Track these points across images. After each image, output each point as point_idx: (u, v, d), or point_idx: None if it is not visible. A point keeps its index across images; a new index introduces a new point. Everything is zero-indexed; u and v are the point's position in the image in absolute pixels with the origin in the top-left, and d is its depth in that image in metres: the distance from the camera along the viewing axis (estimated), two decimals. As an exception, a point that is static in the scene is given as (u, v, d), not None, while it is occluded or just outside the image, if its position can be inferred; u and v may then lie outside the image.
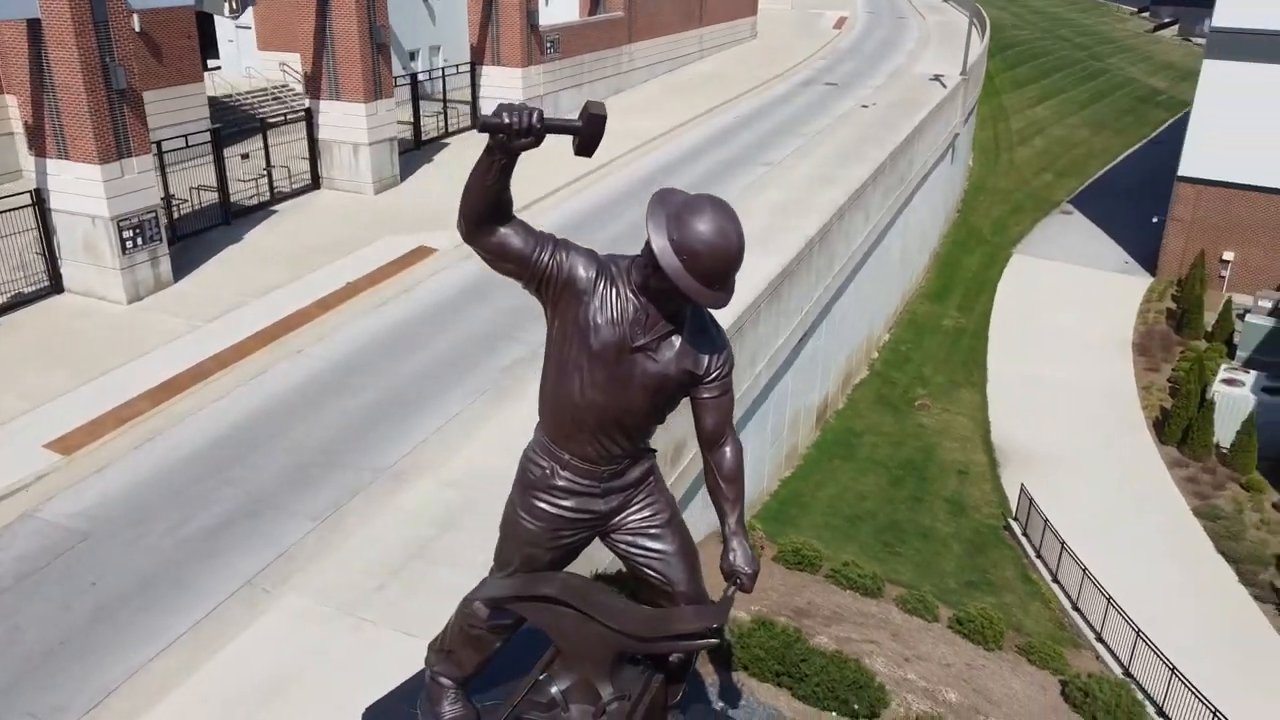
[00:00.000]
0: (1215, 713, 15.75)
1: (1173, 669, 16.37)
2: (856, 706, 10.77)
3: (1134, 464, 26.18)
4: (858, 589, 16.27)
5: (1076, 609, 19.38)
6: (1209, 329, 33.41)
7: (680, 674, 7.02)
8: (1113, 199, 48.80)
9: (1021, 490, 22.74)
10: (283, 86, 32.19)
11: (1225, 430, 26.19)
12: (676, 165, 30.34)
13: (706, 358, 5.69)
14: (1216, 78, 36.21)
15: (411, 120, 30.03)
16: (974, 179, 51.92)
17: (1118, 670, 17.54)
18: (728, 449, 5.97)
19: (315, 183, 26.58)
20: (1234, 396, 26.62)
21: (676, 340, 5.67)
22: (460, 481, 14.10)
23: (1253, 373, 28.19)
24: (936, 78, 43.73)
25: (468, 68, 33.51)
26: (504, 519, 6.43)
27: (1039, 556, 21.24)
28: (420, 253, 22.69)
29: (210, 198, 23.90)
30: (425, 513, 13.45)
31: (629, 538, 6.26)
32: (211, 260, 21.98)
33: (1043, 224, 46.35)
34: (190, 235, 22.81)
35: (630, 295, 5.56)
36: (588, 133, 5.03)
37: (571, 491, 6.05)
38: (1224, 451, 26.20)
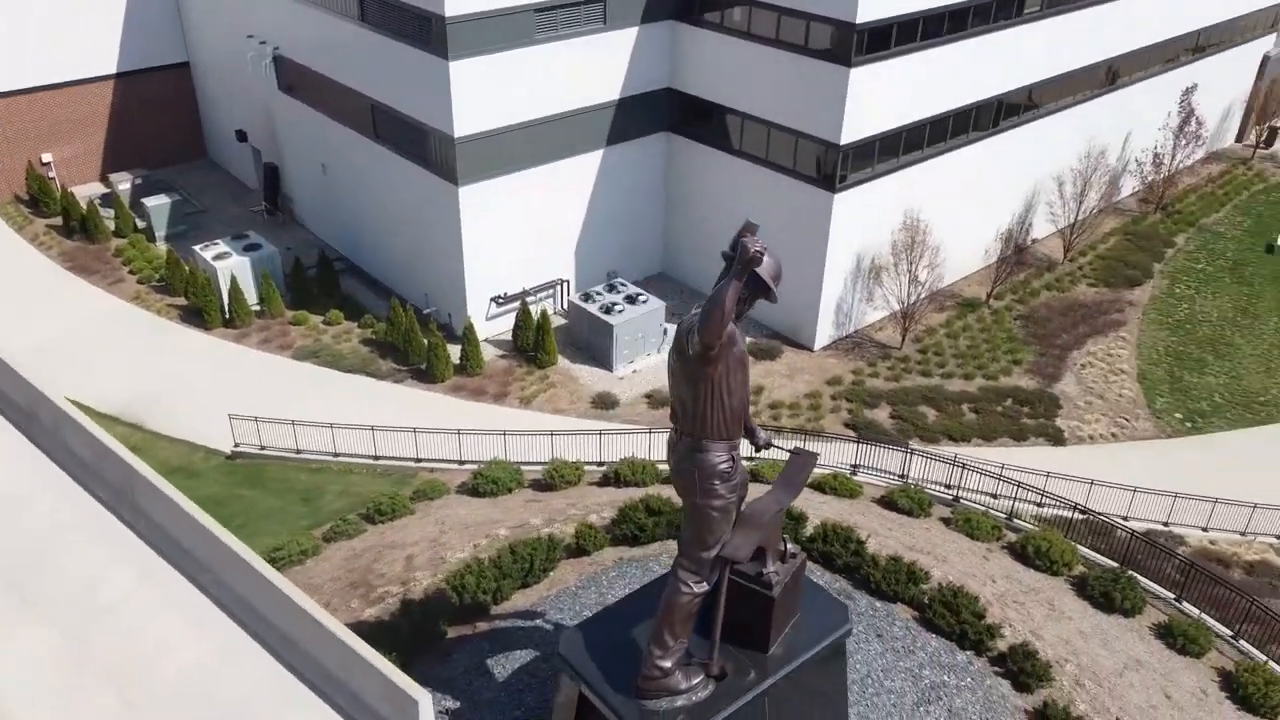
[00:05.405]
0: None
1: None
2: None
3: (224, 357, 29.14)
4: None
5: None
6: (115, 225, 35.50)
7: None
8: None
9: (230, 418, 24.58)
10: None
11: (250, 292, 30.91)
12: None
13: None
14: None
15: None
16: None
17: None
18: None
19: None
20: (233, 264, 31.06)
21: (739, 333, 9.32)
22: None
23: (221, 241, 32.53)
24: None
25: None
26: (717, 512, 9.88)
27: (299, 453, 24.67)
28: None
29: None
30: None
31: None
32: None
33: None
34: None
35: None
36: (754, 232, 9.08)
37: (739, 460, 10.01)
38: (260, 309, 31.07)
